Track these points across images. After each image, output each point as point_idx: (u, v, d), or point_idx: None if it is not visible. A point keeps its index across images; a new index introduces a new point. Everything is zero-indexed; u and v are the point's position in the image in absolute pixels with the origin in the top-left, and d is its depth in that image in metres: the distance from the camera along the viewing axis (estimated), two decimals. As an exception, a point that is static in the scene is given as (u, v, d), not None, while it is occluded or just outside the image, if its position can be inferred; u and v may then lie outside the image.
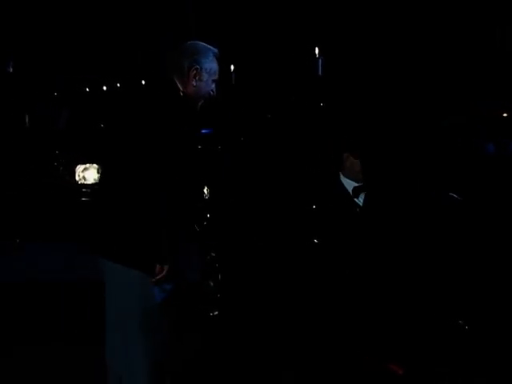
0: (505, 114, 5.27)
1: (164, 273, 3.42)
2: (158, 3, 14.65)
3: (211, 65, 3.55)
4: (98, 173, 9.45)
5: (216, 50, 3.60)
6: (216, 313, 5.49)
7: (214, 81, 3.59)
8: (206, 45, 3.61)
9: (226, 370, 4.69)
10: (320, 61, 9.55)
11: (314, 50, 9.89)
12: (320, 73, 9.55)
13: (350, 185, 4.46)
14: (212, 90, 3.61)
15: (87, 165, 9.56)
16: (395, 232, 4.10)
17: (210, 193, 6.36)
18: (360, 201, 4.40)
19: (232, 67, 10.36)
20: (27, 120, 11.83)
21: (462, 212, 4.17)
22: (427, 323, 3.44)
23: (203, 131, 7.54)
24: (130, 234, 3.40)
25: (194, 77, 3.51)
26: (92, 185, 9.39)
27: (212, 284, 5.62)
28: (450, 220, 4.11)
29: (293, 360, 4.43)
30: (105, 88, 12.53)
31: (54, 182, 9.69)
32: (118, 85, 11.88)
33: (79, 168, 9.56)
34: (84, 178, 9.55)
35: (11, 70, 12.35)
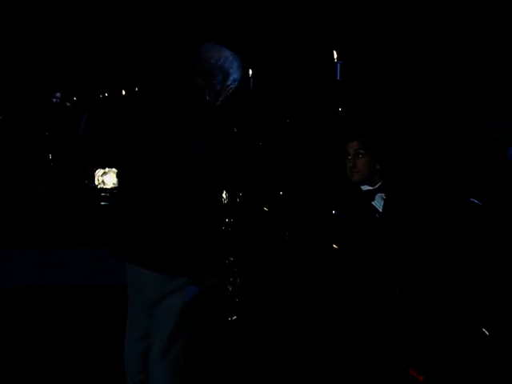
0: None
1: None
2: (162, 5, 14.68)
3: (236, 76, 3.57)
4: (116, 177, 9.49)
5: (239, 60, 3.60)
6: (234, 317, 5.49)
7: None
8: (235, 55, 3.58)
9: (240, 373, 4.70)
10: (338, 65, 9.52)
11: (333, 54, 9.86)
12: (338, 77, 9.52)
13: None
14: None
15: (106, 169, 9.61)
16: (415, 236, 4.08)
17: (228, 197, 6.37)
18: (377, 204, 4.38)
19: (250, 72, 10.36)
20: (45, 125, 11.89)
21: (483, 218, 4.15)
22: (436, 326, 3.44)
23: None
24: (177, 242, 3.23)
25: (227, 92, 3.53)
26: (111, 189, 9.44)
27: (230, 288, 5.62)
28: (472, 226, 4.09)
29: (312, 363, 4.43)
30: (124, 92, 12.59)
31: (73, 185, 9.75)
32: (136, 89, 11.91)
33: (98, 172, 9.60)
34: (103, 182, 9.59)
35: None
